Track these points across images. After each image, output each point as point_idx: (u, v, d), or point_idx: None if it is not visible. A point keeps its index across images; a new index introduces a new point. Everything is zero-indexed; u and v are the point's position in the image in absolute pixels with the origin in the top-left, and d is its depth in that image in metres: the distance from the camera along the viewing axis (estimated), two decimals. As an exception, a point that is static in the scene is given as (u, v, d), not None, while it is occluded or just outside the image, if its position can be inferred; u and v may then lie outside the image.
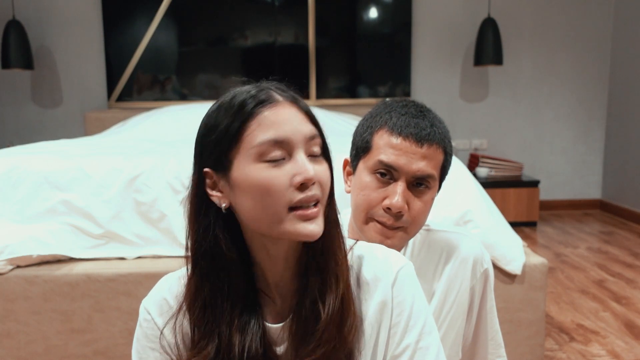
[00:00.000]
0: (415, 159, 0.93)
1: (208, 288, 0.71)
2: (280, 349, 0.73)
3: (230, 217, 0.72)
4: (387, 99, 1.04)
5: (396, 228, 0.95)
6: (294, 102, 0.71)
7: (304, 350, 0.70)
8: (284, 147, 0.68)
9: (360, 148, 0.99)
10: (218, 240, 0.71)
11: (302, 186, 0.67)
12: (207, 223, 0.71)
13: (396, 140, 0.94)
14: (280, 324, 0.74)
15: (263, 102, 0.69)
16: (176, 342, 0.74)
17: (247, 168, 0.68)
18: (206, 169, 0.71)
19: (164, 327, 0.75)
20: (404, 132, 0.94)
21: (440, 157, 0.96)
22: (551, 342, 2.20)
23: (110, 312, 1.73)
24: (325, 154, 0.72)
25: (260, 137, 0.67)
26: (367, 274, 0.76)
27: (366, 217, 0.96)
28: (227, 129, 0.69)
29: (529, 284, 1.77)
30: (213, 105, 0.73)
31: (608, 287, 2.80)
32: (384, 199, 0.94)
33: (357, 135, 1.02)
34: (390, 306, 0.74)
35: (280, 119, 0.68)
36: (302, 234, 0.68)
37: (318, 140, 0.71)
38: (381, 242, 0.94)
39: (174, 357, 0.75)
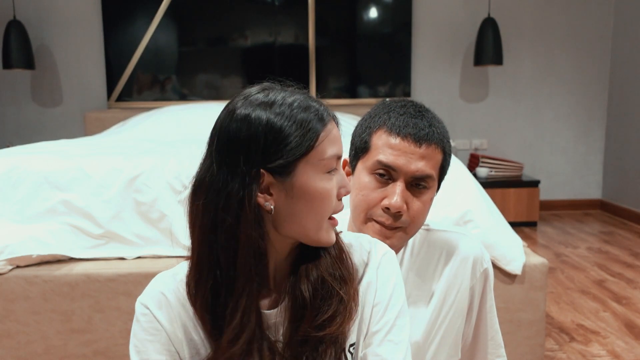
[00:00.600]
0: (414, 159, 0.93)
1: (248, 287, 0.72)
2: (276, 334, 0.76)
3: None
4: (387, 99, 1.04)
5: (395, 228, 0.95)
6: (333, 118, 0.78)
7: (300, 332, 0.74)
8: (337, 162, 0.76)
9: (359, 148, 0.99)
10: (263, 237, 0.72)
11: (342, 198, 0.77)
12: (257, 222, 0.72)
13: (395, 141, 0.94)
14: (276, 309, 0.76)
15: (324, 119, 0.75)
16: (156, 333, 0.76)
17: (314, 177, 0.73)
18: (263, 171, 0.71)
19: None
20: (403, 132, 0.94)
21: (439, 157, 0.96)
22: (551, 342, 2.20)
23: (110, 312, 1.73)
24: None
25: (329, 151, 0.74)
26: (355, 259, 0.81)
27: (365, 217, 0.96)
28: (303, 137, 0.71)
29: (529, 284, 1.77)
30: (270, 106, 0.72)
31: (608, 287, 2.80)
32: (383, 199, 0.94)
33: (355, 135, 1.02)
34: (375, 287, 0.80)
35: (337, 135, 0.77)
36: (326, 240, 0.76)
37: None
38: None
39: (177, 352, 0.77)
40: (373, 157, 0.95)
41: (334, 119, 0.78)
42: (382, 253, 0.82)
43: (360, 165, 0.99)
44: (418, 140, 0.93)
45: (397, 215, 0.93)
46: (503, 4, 4.31)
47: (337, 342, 0.74)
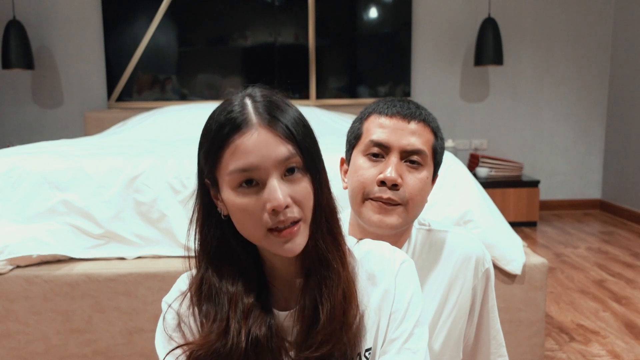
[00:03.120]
0: (405, 134, 0.96)
1: (214, 280, 0.76)
2: (290, 337, 0.77)
3: None
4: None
5: (395, 204, 0.95)
6: (269, 124, 0.71)
7: (307, 347, 0.74)
8: (255, 175, 0.70)
9: (352, 139, 1.03)
10: (225, 239, 0.76)
11: (274, 211, 0.70)
12: (215, 225, 0.77)
13: (384, 120, 0.98)
14: (288, 312, 0.78)
15: (238, 127, 0.70)
16: (181, 327, 0.78)
17: (226, 192, 0.72)
18: (207, 181, 0.76)
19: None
20: (391, 111, 0.98)
21: (429, 136, 0.99)
22: (551, 342, 2.20)
23: (110, 312, 1.73)
24: (309, 167, 0.73)
25: (231, 166, 0.70)
26: (374, 267, 0.81)
27: (363, 197, 0.97)
28: (207, 152, 0.73)
29: (529, 284, 1.77)
30: (212, 113, 0.75)
31: (608, 287, 2.80)
32: (378, 175, 0.95)
33: (348, 132, 1.05)
34: (393, 294, 0.79)
35: (251, 146, 0.70)
36: (281, 253, 0.72)
37: (295, 159, 0.71)
38: (380, 221, 0.94)
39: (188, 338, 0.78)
40: (365, 139, 0.98)
41: (266, 122, 0.71)
42: (401, 261, 0.81)
43: (354, 152, 1.01)
44: (406, 116, 0.97)
45: (393, 188, 0.94)
46: (503, 4, 4.31)
47: (346, 353, 0.75)
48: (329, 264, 0.75)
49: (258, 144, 0.70)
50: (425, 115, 0.99)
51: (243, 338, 0.72)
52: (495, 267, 1.72)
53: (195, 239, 0.79)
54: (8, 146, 3.56)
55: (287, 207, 0.70)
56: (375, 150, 0.96)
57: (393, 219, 0.95)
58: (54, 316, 1.72)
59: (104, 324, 1.73)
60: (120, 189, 1.81)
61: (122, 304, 1.72)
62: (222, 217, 0.75)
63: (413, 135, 0.96)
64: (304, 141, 0.73)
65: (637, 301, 2.62)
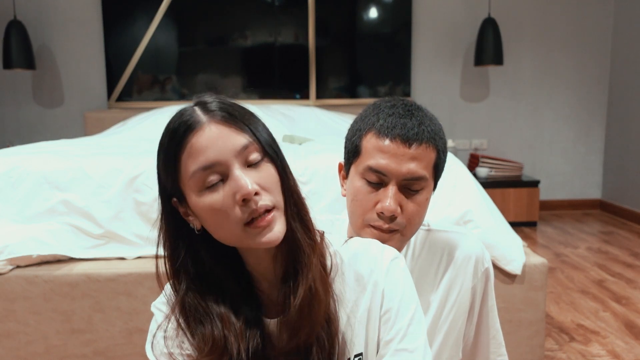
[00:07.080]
0: (404, 161, 0.92)
1: (198, 301, 0.74)
2: (278, 342, 0.75)
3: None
4: (377, 100, 1.02)
5: (392, 231, 0.94)
6: (221, 119, 0.70)
7: (284, 343, 0.73)
8: (217, 170, 0.69)
9: (351, 152, 0.99)
10: (199, 255, 0.74)
11: (245, 201, 0.68)
12: (186, 242, 0.74)
13: (383, 143, 0.92)
14: (274, 320, 0.76)
15: (190, 127, 0.69)
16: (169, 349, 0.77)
17: (193, 198, 0.70)
18: (174, 199, 0.73)
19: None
20: (391, 134, 0.92)
21: (431, 155, 0.95)
22: (551, 342, 2.20)
23: (110, 312, 1.73)
24: (270, 154, 0.72)
25: (191, 168, 0.69)
26: (362, 268, 0.79)
27: (362, 223, 0.96)
28: (166, 163, 0.71)
29: (529, 284, 1.77)
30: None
31: (608, 287, 2.80)
32: (377, 203, 0.93)
33: (347, 139, 1.01)
34: (381, 294, 0.77)
35: (205, 142, 0.68)
36: (262, 244, 0.70)
37: (254, 147, 0.71)
38: None
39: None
40: (364, 161, 0.94)
41: (218, 118, 0.70)
42: (390, 258, 0.79)
43: (353, 170, 0.98)
44: (407, 140, 0.92)
45: (391, 218, 0.93)
46: (503, 4, 4.31)
47: (332, 358, 0.73)
48: (302, 250, 0.73)
49: (212, 138, 0.69)
50: (427, 133, 0.93)
51: (244, 356, 0.71)
52: (495, 267, 1.72)
53: (165, 263, 0.76)
54: (8, 146, 3.56)
55: (256, 194, 0.68)
56: (374, 178, 0.93)
57: (391, 244, 0.93)
58: (54, 316, 1.72)
59: (104, 324, 1.73)
60: (120, 189, 1.81)
61: (122, 304, 1.72)
62: (196, 232, 0.73)
63: (413, 161, 0.92)
64: (259, 131, 0.72)
65: (637, 301, 2.62)
